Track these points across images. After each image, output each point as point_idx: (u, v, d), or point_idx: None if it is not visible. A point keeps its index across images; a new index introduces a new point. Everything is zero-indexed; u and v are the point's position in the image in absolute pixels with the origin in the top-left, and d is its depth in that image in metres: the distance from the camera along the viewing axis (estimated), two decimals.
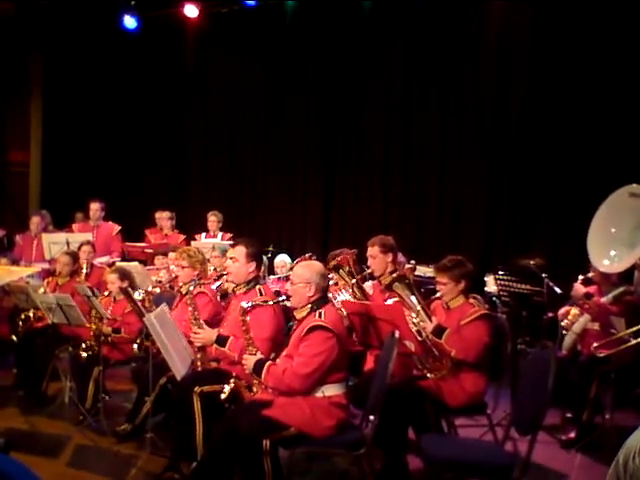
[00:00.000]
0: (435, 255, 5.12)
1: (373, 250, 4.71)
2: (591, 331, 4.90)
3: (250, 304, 3.74)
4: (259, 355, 3.64)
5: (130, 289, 4.74)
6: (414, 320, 3.99)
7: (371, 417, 3.34)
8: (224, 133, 9.73)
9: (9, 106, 10.33)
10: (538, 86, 7.35)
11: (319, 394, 3.37)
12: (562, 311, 5.20)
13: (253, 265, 4.13)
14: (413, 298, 4.08)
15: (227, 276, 4.32)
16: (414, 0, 8.00)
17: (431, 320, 4.03)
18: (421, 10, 8.01)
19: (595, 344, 4.69)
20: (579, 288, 5.02)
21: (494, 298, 5.97)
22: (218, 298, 4.78)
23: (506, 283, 5.58)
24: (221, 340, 4.00)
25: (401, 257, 5.44)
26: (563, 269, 6.04)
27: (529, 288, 5.41)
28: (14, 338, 5.46)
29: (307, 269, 3.59)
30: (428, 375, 4.02)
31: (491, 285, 6.09)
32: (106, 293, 5.19)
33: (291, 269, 5.92)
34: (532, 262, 5.72)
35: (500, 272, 5.64)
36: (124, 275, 5.24)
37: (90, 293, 4.90)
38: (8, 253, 7.31)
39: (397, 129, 8.37)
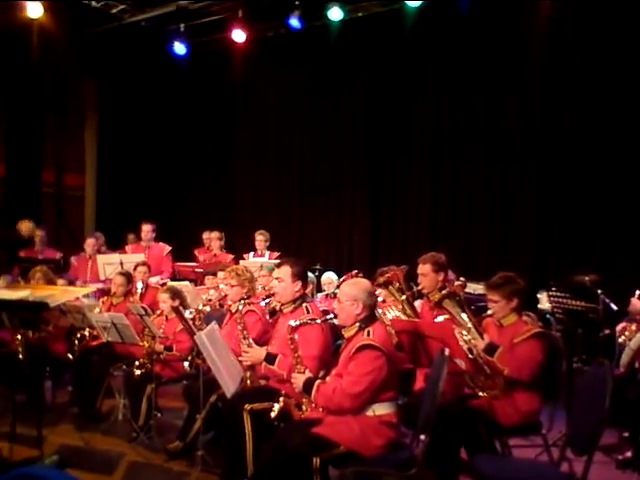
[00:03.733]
0: (485, 272, 5.02)
1: (425, 268, 4.58)
2: None
3: (298, 322, 3.76)
4: (308, 373, 3.64)
5: (181, 308, 4.82)
6: (465, 338, 3.93)
7: (422, 436, 3.29)
8: (272, 154, 9.87)
9: (65, 132, 10.68)
10: (589, 99, 7.21)
11: (369, 413, 3.34)
12: (619, 327, 5.04)
13: (299, 284, 4.14)
14: (464, 315, 4.01)
15: (274, 297, 4.34)
16: (457, 13, 7.97)
17: (482, 338, 3.95)
18: (464, 23, 7.98)
19: None
20: (637, 303, 4.88)
21: (548, 315, 5.83)
22: (267, 316, 4.81)
23: (560, 300, 5.43)
24: (270, 358, 4.01)
25: (451, 274, 5.36)
26: (619, 284, 5.85)
27: (584, 305, 5.25)
28: (70, 356, 5.59)
29: (354, 287, 3.57)
30: (480, 394, 3.94)
31: (544, 302, 5.95)
32: (158, 312, 5.29)
33: (338, 287, 5.93)
34: (587, 278, 5.57)
35: (553, 289, 5.51)
36: (175, 294, 5.33)
37: (143, 312, 5.00)
38: (64, 274, 7.53)
39: (445, 145, 8.35)
